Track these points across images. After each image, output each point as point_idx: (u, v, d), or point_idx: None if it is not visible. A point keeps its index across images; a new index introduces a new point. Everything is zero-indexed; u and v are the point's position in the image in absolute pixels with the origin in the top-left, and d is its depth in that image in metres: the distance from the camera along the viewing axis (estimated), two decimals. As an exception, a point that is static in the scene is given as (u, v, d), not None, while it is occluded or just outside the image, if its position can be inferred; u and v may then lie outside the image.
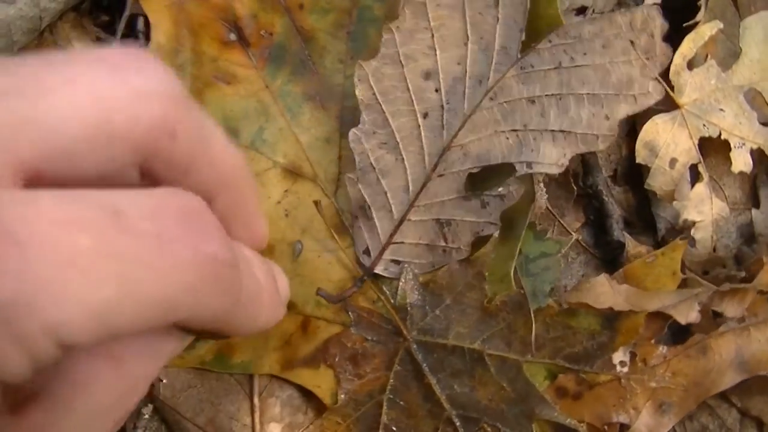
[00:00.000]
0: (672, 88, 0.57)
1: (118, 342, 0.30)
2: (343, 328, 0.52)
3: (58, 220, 0.22)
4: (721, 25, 0.57)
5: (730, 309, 0.51)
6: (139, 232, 0.24)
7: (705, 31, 0.56)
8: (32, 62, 0.25)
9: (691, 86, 0.57)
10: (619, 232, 0.59)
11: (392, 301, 0.51)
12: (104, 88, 0.25)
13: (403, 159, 0.50)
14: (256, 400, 0.53)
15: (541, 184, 0.49)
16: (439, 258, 0.51)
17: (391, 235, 0.51)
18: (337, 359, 0.51)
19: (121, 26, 0.57)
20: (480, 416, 0.50)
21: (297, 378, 0.52)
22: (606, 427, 0.51)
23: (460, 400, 0.50)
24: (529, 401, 0.49)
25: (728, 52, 0.60)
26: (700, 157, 0.57)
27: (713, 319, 0.53)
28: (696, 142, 0.57)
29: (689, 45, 0.56)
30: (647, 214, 0.61)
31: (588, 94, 0.49)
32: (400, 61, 0.49)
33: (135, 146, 0.26)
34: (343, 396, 0.51)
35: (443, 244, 0.51)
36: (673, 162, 0.57)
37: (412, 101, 0.50)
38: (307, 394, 0.53)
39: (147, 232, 0.24)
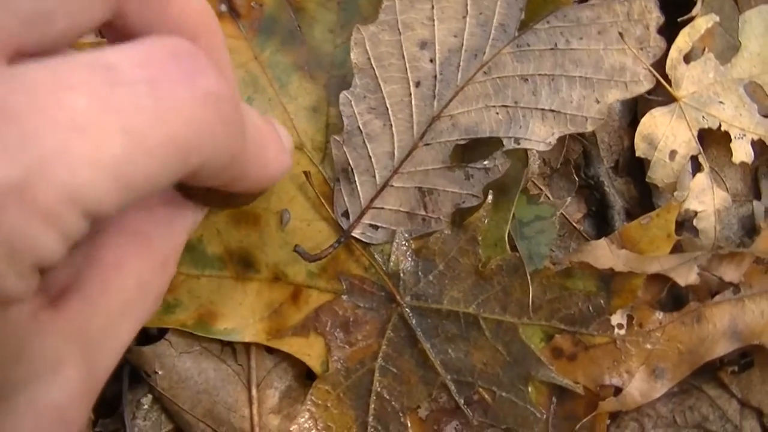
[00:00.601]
0: (669, 82, 0.57)
1: (142, 218, 0.30)
2: (335, 296, 0.50)
3: (49, 86, 0.21)
4: (717, 19, 0.57)
5: (728, 273, 0.51)
6: (133, 80, 0.23)
7: (701, 24, 0.57)
8: None
9: (688, 79, 0.57)
10: (620, 223, 0.59)
11: (384, 267, 0.50)
12: None
13: (391, 125, 0.50)
14: (254, 391, 0.51)
15: (534, 150, 0.49)
16: (417, 226, 0.51)
17: (372, 200, 0.51)
18: (328, 327, 0.50)
19: None
20: (475, 380, 0.49)
21: (285, 346, 0.50)
22: (599, 389, 0.50)
23: (455, 365, 0.49)
24: (525, 363, 0.48)
25: (727, 46, 0.60)
26: (700, 148, 0.57)
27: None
28: (695, 133, 0.57)
29: (685, 39, 0.57)
30: (648, 205, 0.60)
31: (580, 77, 0.50)
32: (398, 29, 0.50)
33: None
34: (333, 364, 0.49)
35: (423, 212, 0.50)
36: (672, 154, 0.57)
37: (406, 69, 0.50)
38: (305, 385, 0.52)
39: (140, 78, 0.23)
